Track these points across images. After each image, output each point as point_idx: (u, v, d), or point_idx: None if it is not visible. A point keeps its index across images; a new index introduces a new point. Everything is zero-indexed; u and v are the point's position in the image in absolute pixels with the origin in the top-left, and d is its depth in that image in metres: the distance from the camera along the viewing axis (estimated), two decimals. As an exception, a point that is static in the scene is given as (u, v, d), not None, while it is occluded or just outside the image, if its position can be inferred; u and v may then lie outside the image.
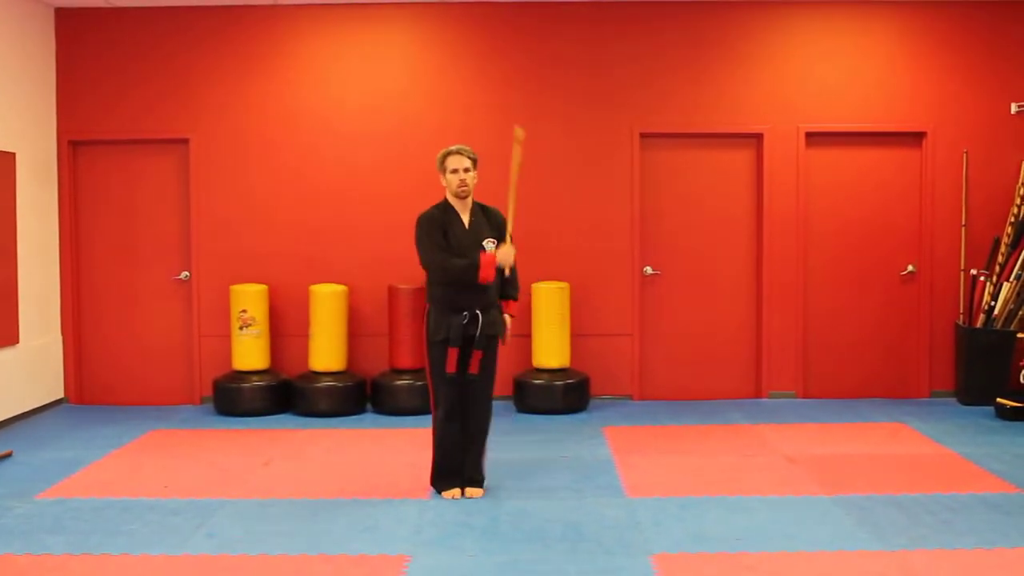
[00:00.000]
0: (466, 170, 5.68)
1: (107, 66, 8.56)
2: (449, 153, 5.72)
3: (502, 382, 5.91)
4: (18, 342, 7.99)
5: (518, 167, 5.73)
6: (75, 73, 8.57)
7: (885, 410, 8.19)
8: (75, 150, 8.66)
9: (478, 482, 5.85)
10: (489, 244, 5.69)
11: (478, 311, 5.65)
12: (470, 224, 5.74)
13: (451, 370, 5.64)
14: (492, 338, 5.75)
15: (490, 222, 5.80)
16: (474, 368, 5.68)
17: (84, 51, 8.55)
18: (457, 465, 5.81)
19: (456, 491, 5.77)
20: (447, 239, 5.67)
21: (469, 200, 5.77)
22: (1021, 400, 7.75)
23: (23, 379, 8.09)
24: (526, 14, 8.51)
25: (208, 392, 8.52)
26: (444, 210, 5.76)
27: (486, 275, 5.55)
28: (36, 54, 8.30)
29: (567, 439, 7.26)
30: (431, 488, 5.86)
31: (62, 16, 8.53)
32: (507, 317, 5.87)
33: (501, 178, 8.50)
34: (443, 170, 5.74)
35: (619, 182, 8.57)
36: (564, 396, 8.09)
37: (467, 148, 5.75)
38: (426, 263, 5.70)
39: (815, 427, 7.62)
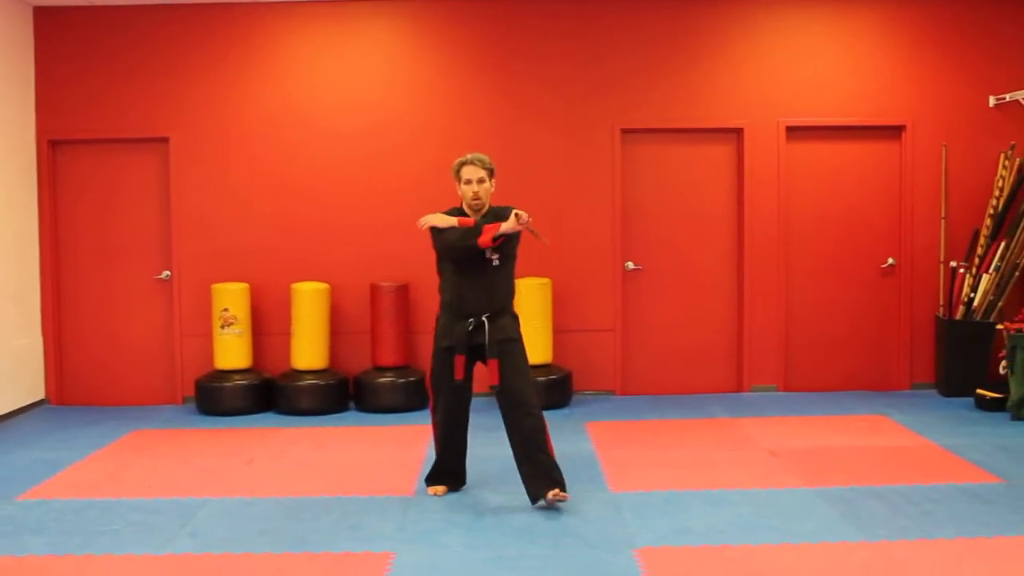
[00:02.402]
0: (480, 181, 5.46)
1: (87, 65, 8.52)
2: (464, 163, 5.50)
3: (481, 378, 5.77)
4: (-2, 343, 7.98)
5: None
6: (54, 72, 8.53)
7: (866, 402, 8.24)
8: (55, 150, 8.62)
9: (558, 483, 5.40)
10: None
11: (485, 318, 5.44)
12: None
13: (459, 377, 5.47)
14: (506, 342, 5.46)
15: (499, 220, 5.47)
16: (494, 379, 5.42)
17: (63, 50, 8.51)
18: (452, 468, 5.77)
19: (441, 488, 5.74)
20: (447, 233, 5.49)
21: (484, 210, 5.54)
22: (1000, 391, 7.79)
23: (3, 380, 8.05)
24: (507, 10, 8.51)
25: (190, 392, 8.50)
26: (457, 213, 5.58)
27: (484, 240, 5.31)
28: (15, 54, 8.25)
29: (550, 433, 7.26)
30: (415, 485, 5.87)
31: (41, 15, 8.49)
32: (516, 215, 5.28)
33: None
34: (458, 180, 5.52)
35: (601, 177, 8.58)
36: (547, 392, 8.06)
37: (483, 157, 5.52)
38: (439, 247, 5.51)
39: (797, 420, 7.65)
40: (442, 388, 5.58)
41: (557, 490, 5.36)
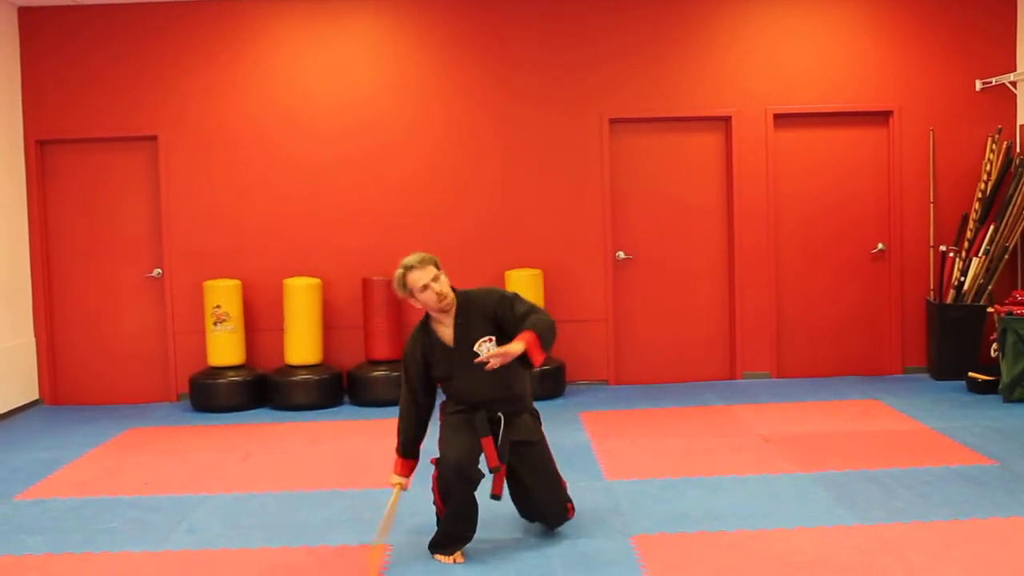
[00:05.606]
0: (435, 279, 4.54)
1: (73, 64, 8.50)
2: (408, 269, 4.56)
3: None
4: (-9, 344, 7.96)
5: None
6: (41, 72, 8.51)
7: (859, 387, 8.27)
8: (43, 149, 8.60)
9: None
10: (485, 346, 4.58)
11: (500, 414, 4.70)
12: (455, 337, 4.63)
13: (492, 464, 4.64)
14: (523, 444, 4.77)
15: (479, 313, 4.65)
16: (497, 489, 4.66)
17: (49, 50, 8.49)
18: (469, 529, 4.75)
19: (459, 554, 4.68)
20: (432, 368, 4.69)
21: (453, 306, 4.65)
22: (992, 374, 7.84)
23: (-3, 381, 8.05)
24: (493, 1, 8.51)
25: (184, 389, 8.50)
26: (425, 332, 4.70)
27: (537, 361, 4.52)
28: (0, 54, 8.22)
29: (544, 425, 7.26)
30: (411, 477, 5.79)
31: (26, 15, 8.46)
32: (514, 346, 4.44)
33: (473, 171, 8.53)
34: (409, 294, 4.60)
35: (590, 167, 8.59)
36: (540, 382, 8.08)
37: (423, 255, 4.60)
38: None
39: (790, 406, 7.68)
40: (452, 432, 4.69)
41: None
